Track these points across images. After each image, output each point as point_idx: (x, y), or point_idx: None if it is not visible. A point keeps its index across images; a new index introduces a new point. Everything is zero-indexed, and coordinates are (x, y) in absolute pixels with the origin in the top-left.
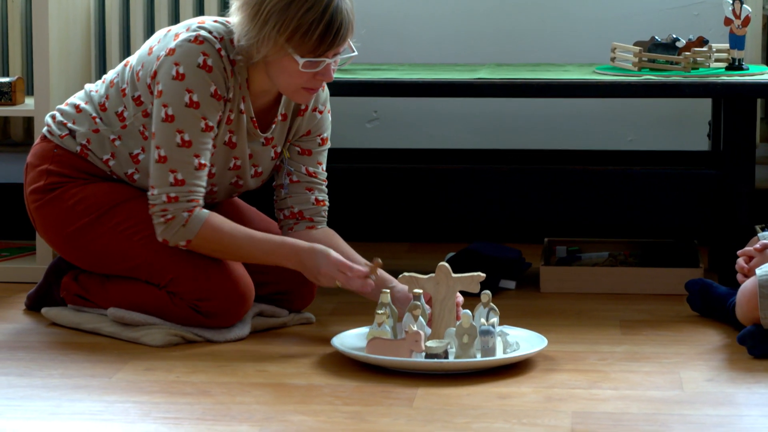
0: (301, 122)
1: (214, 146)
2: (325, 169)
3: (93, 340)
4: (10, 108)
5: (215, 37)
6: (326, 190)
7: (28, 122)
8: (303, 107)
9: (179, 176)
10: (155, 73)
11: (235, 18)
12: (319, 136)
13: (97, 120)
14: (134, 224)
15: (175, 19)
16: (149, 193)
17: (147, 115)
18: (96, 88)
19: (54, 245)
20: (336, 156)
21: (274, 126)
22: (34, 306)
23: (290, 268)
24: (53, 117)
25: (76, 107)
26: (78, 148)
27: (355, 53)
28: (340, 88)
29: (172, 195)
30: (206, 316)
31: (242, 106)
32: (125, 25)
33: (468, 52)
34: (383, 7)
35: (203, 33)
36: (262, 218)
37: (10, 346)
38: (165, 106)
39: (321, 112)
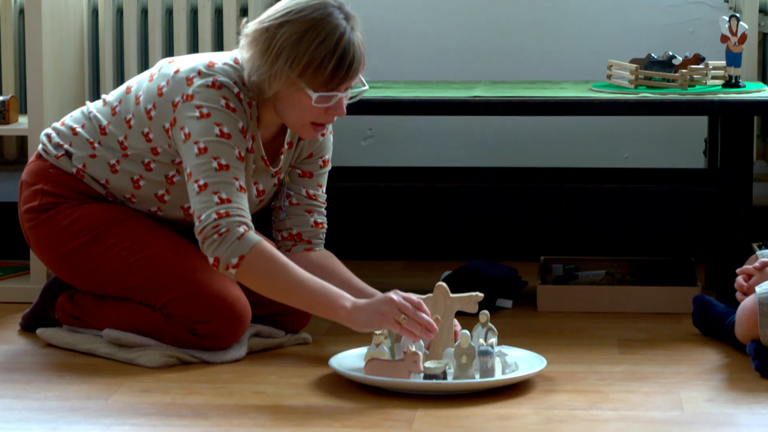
0: (303, 145)
1: None
2: (325, 191)
3: (88, 361)
4: (3, 127)
5: (231, 82)
6: (325, 212)
7: (22, 141)
8: None
9: (223, 195)
10: (175, 120)
11: (245, 53)
12: (321, 158)
13: (96, 145)
14: (130, 245)
15: (168, 36)
16: (196, 223)
17: (157, 153)
18: (95, 110)
19: (49, 265)
20: (330, 174)
21: (282, 157)
22: (29, 326)
23: (332, 319)
24: (48, 136)
25: (72, 130)
26: (74, 170)
27: (366, 87)
28: None
29: (222, 211)
30: (202, 339)
31: (251, 145)
32: (119, 43)
33: (463, 69)
34: (378, 24)
35: (220, 78)
36: None
37: (5, 368)
38: (196, 142)
39: (323, 135)
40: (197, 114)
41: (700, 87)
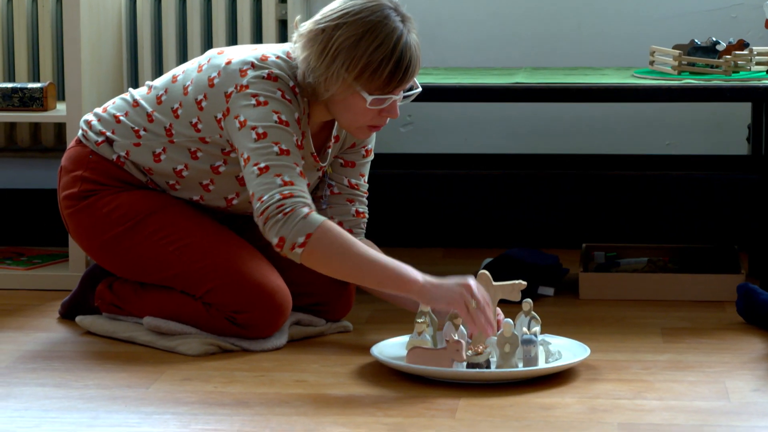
0: (347, 136)
1: None
2: (367, 180)
3: (128, 349)
4: (41, 114)
5: (287, 75)
6: (367, 202)
7: (59, 128)
8: None
9: (286, 178)
10: (228, 110)
11: (300, 53)
12: (364, 147)
13: (141, 132)
14: (170, 233)
15: (207, 24)
16: (255, 206)
17: (206, 142)
18: (139, 96)
19: (88, 251)
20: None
21: (329, 151)
22: (68, 314)
23: (403, 292)
24: (89, 123)
25: (116, 117)
26: (114, 157)
27: (420, 89)
28: None
29: (286, 192)
30: (243, 328)
31: (300, 140)
32: (157, 30)
33: (504, 55)
34: (418, 10)
35: (275, 71)
36: None
37: (45, 356)
38: (254, 128)
39: None
40: (253, 102)
41: (744, 73)
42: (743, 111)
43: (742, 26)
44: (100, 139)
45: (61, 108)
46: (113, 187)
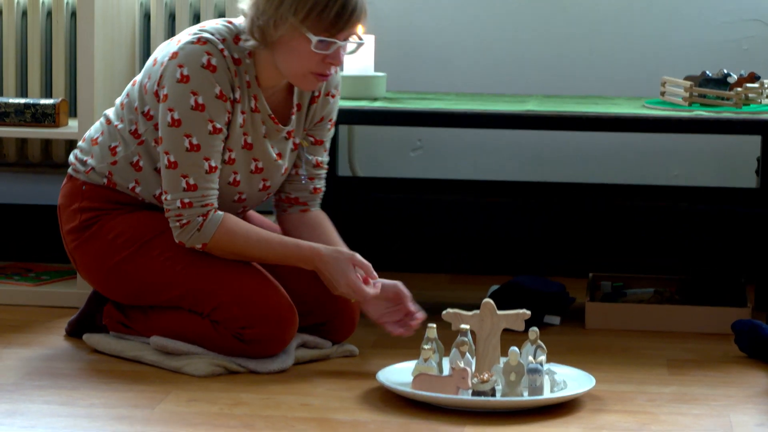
0: (315, 109)
1: (230, 150)
2: (328, 153)
3: (135, 369)
4: (53, 130)
5: (218, 38)
6: (325, 177)
7: (70, 144)
8: (316, 94)
9: (191, 181)
10: (161, 77)
11: (249, 1)
12: (330, 120)
13: (117, 149)
14: (176, 254)
15: None
16: (163, 198)
17: (158, 128)
18: (109, 112)
19: (95, 282)
20: (379, 185)
21: (293, 117)
22: (75, 332)
23: (308, 269)
24: (75, 156)
25: (93, 141)
26: (104, 181)
27: (363, 42)
28: (385, 117)
29: (186, 201)
30: (249, 344)
31: (254, 104)
32: None
33: (515, 82)
34: (429, 36)
35: (205, 35)
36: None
37: (52, 373)
38: (171, 110)
39: (333, 96)
40: (178, 75)
41: (755, 106)
42: (753, 144)
43: (753, 58)
44: (87, 168)
45: (73, 125)
46: (112, 211)
